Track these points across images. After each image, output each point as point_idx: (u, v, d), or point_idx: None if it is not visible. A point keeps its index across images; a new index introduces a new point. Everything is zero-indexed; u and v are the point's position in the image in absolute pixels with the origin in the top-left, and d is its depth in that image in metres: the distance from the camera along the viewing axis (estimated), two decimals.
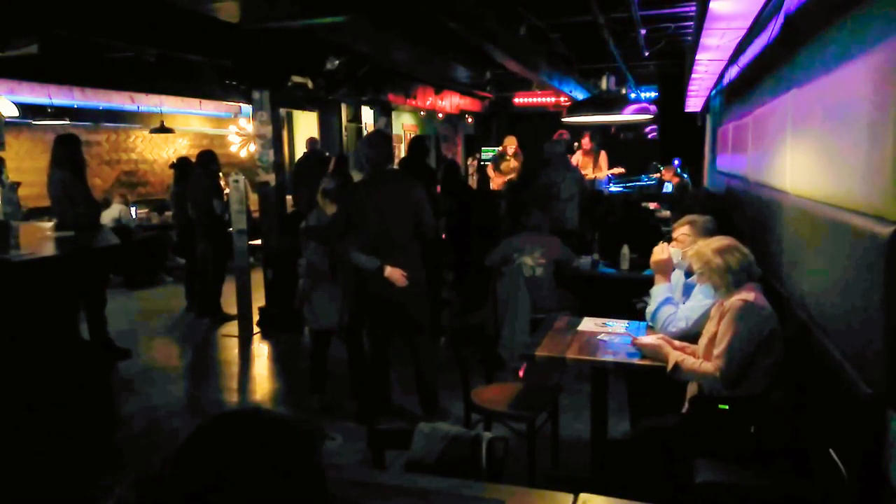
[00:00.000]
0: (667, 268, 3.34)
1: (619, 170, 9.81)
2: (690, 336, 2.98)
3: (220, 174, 7.26)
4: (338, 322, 4.33)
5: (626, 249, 4.99)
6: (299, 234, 4.61)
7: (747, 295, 2.62)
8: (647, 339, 2.96)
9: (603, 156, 9.39)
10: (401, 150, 11.39)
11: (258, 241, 6.67)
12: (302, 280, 4.50)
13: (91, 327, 5.44)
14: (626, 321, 3.50)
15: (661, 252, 3.36)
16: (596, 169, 9.31)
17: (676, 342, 2.93)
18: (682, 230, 3.34)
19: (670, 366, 2.73)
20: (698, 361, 2.69)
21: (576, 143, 10.06)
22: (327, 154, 8.80)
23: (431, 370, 4.14)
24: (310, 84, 6.93)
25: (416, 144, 6.56)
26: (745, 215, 4.41)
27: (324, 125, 10.62)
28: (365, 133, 10.92)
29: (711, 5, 3.21)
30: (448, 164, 7.30)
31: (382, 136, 4.35)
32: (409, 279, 3.94)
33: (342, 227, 4.04)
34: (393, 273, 3.91)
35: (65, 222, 5.14)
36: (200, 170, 6.64)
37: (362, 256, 3.96)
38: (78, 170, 5.24)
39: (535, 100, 11.82)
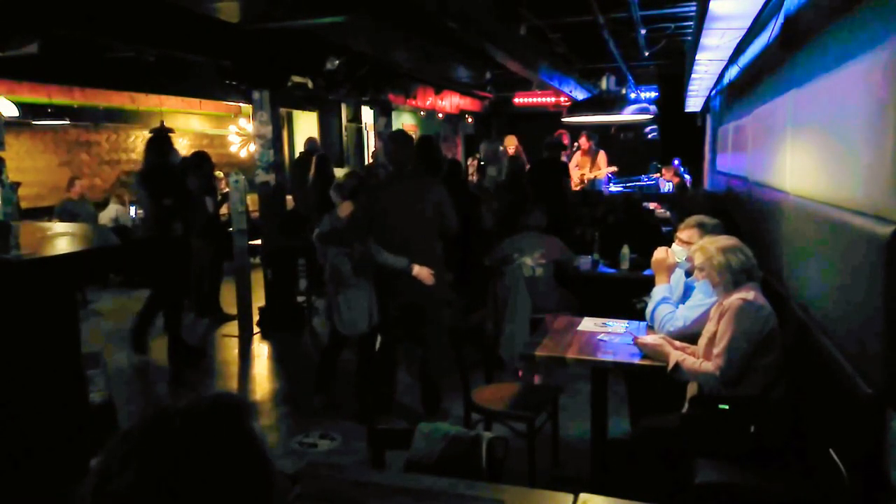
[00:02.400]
0: (667, 268, 3.35)
1: (611, 168, 9.82)
2: (689, 336, 2.98)
3: (216, 174, 7.26)
4: (367, 325, 4.21)
5: (626, 249, 4.99)
6: (314, 240, 4.54)
7: (746, 294, 2.62)
8: (649, 339, 2.96)
9: (602, 156, 9.39)
10: None
11: (258, 241, 6.66)
12: (326, 286, 4.43)
13: (170, 331, 5.39)
14: (626, 321, 3.50)
15: (660, 253, 3.38)
16: (594, 168, 9.32)
17: (677, 342, 2.93)
18: (689, 232, 3.33)
19: (671, 365, 2.73)
20: (698, 361, 2.70)
21: (576, 144, 10.07)
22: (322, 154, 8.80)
23: (437, 370, 4.14)
24: (310, 84, 6.93)
25: (425, 144, 6.58)
26: (745, 215, 4.41)
27: (324, 125, 10.62)
28: (365, 133, 10.93)
29: (711, 5, 3.21)
30: (450, 164, 7.31)
31: (407, 136, 4.34)
32: (434, 277, 3.94)
33: (363, 227, 4.02)
34: (421, 272, 3.90)
35: (146, 223, 5.19)
36: (192, 170, 6.64)
37: (390, 255, 3.93)
38: (152, 169, 5.19)
39: (535, 100, 11.81)
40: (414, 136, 10.32)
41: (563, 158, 9.10)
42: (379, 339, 4.31)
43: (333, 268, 4.27)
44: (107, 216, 8.21)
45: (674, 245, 3.41)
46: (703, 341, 2.78)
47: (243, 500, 0.83)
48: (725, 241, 2.81)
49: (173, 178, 5.43)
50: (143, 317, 5.56)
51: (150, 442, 0.81)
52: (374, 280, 4.17)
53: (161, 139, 5.39)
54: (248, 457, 0.85)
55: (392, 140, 4.24)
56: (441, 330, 4.13)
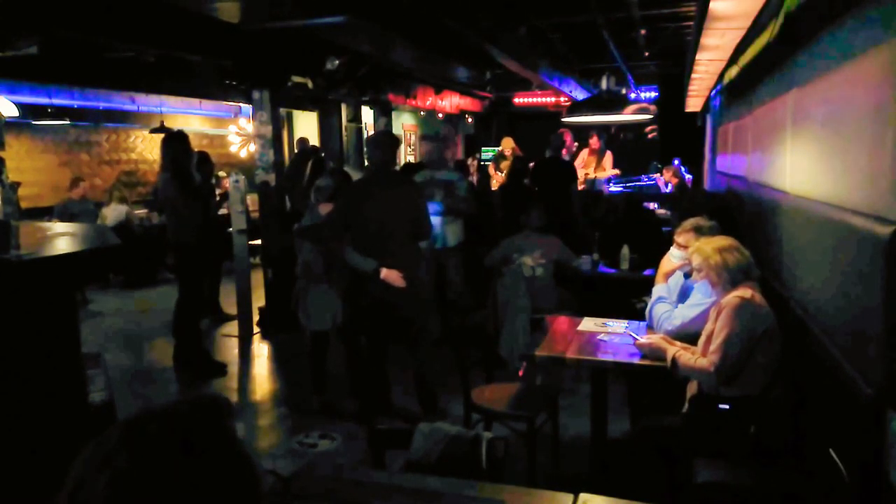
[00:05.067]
0: (664, 274, 3.39)
1: (614, 171, 9.83)
2: (689, 336, 2.99)
3: (219, 174, 7.26)
4: (331, 324, 4.31)
5: (626, 249, 4.99)
6: (293, 235, 4.58)
7: (744, 292, 2.63)
8: (647, 339, 2.98)
9: (608, 156, 9.38)
10: (403, 150, 11.39)
11: (258, 241, 6.66)
12: (298, 280, 4.49)
13: (180, 340, 5.25)
14: (626, 321, 3.50)
15: (667, 262, 3.43)
16: (598, 169, 9.32)
17: (678, 343, 2.94)
18: (686, 236, 3.34)
19: (669, 360, 2.75)
20: (694, 357, 2.71)
21: (574, 143, 10.06)
22: (323, 154, 8.80)
23: (430, 370, 4.13)
24: (310, 84, 6.93)
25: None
26: (745, 215, 4.41)
27: (324, 125, 10.61)
28: (365, 133, 10.93)
29: (711, 5, 3.21)
30: (455, 164, 7.33)
31: (389, 137, 4.32)
32: (406, 279, 3.93)
33: (339, 226, 4.02)
34: (390, 275, 3.90)
35: (172, 226, 5.09)
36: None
37: (359, 257, 3.94)
38: (179, 171, 5.05)
39: (535, 100, 11.83)
40: (412, 136, 10.23)
41: (566, 157, 9.13)
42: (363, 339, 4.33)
43: (306, 263, 4.31)
44: (110, 216, 8.20)
45: (672, 248, 3.42)
46: (702, 340, 2.79)
47: (225, 501, 0.80)
48: (722, 241, 2.83)
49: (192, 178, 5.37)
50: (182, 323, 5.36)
51: (125, 446, 0.77)
52: (348, 280, 4.16)
53: (183, 138, 5.22)
54: (230, 458, 0.82)
55: (373, 143, 4.24)
56: (427, 330, 4.13)
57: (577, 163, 9.48)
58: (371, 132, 10.89)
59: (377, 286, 3.92)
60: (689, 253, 2.96)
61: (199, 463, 0.79)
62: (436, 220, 5.42)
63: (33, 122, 8.17)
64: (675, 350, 2.78)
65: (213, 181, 7.73)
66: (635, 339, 3.08)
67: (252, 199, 7.42)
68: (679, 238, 3.38)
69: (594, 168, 9.34)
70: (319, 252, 4.26)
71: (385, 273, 3.89)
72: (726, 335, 2.58)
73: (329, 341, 4.51)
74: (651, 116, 9.95)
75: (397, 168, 5.71)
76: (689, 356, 2.73)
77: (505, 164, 9.62)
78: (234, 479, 0.82)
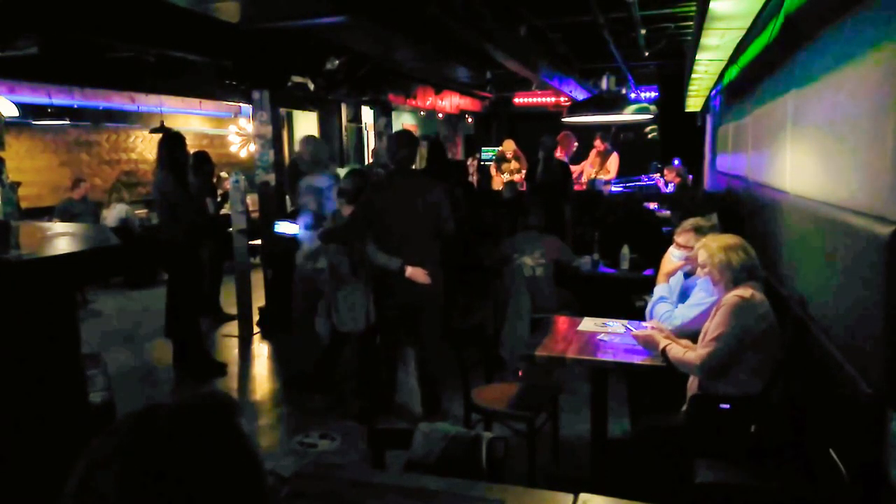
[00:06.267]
0: (665, 275, 3.39)
1: (610, 175, 9.86)
2: (690, 335, 2.99)
3: (221, 175, 7.26)
4: (365, 323, 4.27)
5: (626, 249, 4.99)
6: (318, 238, 4.54)
7: (744, 292, 2.64)
8: (642, 332, 3.03)
9: (613, 158, 9.42)
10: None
11: (258, 241, 6.66)
12: (327, 283, 4.44)
13: (180, 343, 5.23)
14: (626, 321, 3.50)
15: (667, 262, 3.44)
16: (602, 171, 9.35)
17: (683, 341, 2.94)
18: (686, 236, 3.34)
19: (659, 351, 2.79)
20: (684, 350, 2.73)
21: (575, 145, 10.08)
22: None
23: (436, 370, 4.13)
24: (310, 84, 6.93)
25: (437, 147, 6.61)
26: (744, 215, 4.41)
27: (324, 125, 10.61)
28: (365, 133, 10.94)
29: (711, 5, 3.21)
30: (455, 165, 7.32)
31: (412, 137, 4.33)
32: (429, 277, 3.93)
33: (361, 227, 4.03)
34: (415, 272, 3.89)
35: (165, 223, 5.11)
36: (193, 170, 6.62)
37: (383, 256, 3.94)
38: (177, 169, 5.09)
39: (535, 100, 11.83)
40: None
41: (565, 158, 9.14)
42: (378, 339, 4.32)
43: (332, 266, 4.29)
44: (111, 216, 8.20)
45: (672, 248, 3.42)
46: (700, 338, 2.80)
47: (233, 498, 0.81)
48: (728, 239, 2.83)
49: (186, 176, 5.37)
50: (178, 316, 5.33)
51: (136, 438, 0.79)
52: (372, 280, 4.17)
53: (180, 139, 5.24)
54: (238, 454, 0.84)
55: (396, 139, 4.24)
56: (437, 330, 4.13)
57: (586, 163, 9.52)
58: (371, 132, 10.90)
59: (402, 285, 3.92)
60: (696, 249, 2.97)
61: (208, 456, 0.80)
62: (306, 236, 4.94)
63: (33, 122, 8.17)
64: (666, 342, 2.82)
65: (215, 181, 7.73)
66: (631, 330, 3.11)
67: (252, 199, 7.42)
68: (679, 238, 3.39)
69: (597, 170, 9.37)
70: (345, 253, 4.25)
71: (410, 271, 3.89)
72: (720, 333, 2.60)
73: (347, 343, 4.48)
74: (651, 116, 9.94)
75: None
76: (679, 349, 2.76)
77: (505, 166, 9.66)
78: (242, 473, 0.83)
